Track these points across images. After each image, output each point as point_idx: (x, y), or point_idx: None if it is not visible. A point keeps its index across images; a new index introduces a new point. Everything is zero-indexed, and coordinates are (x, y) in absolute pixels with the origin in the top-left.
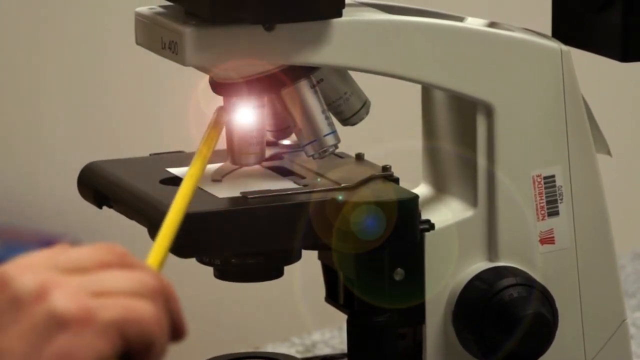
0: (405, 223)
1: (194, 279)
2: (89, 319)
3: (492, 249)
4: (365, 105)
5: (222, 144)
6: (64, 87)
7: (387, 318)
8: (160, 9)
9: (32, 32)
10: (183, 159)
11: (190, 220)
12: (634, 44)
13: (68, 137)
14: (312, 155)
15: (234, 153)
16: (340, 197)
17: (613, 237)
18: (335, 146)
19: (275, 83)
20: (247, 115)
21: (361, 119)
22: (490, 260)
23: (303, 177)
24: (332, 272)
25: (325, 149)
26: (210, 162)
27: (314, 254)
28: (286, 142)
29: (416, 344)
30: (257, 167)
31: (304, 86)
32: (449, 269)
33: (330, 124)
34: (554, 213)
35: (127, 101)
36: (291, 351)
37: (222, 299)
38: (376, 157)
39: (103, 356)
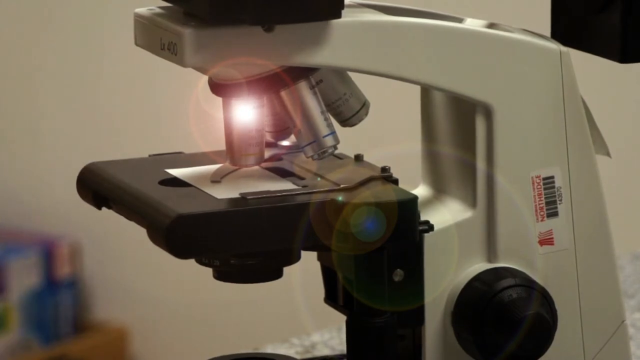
0: (404, 224)
1: (193, 280)
2: None
3: (491, 250)
4: (364, 106)
5: (221, 145)
6: (63, 89)
7: (387, 319)
8: (160, 10)
9: (32, 32)
10: (182, 160)
11: (189, 221)
12: (633, 45)
13: (68, 137)
14: (312, 156)
15: (233, 154)
16: (340, 198)
17: (612, 238)
18: (335, 147)
19: (274, 84)
20: (247, 116)
21: (360, 120)
22: (490, 261)
23: (302, 178)
24: (332, 273)
25: (324, 149)
26: (210, 162)
27: (313, 254)
28: (285, 143)
29: (415, 345)
30: (256, 168)
31: (303, 87)
32: (448, 270)
33: (330, 125)
34: (553, 214)
35: (126, 102)
36: (290, 352)
37: (222, 300)
38: (375, 158)
39: None
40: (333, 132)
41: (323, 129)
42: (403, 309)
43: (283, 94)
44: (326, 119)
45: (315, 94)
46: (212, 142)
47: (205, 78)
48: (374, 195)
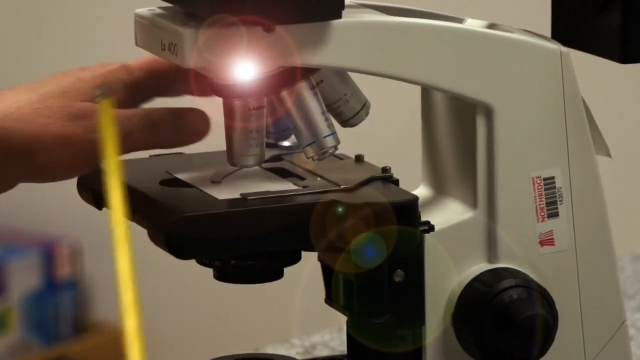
0: (405, 225)
1: (194, 280)
2: None
3: (492, 251)
4: (365, 106)
5: (222, 145)
6: None
7: (387, 320)
8: (160, 11)
9: (32, 33)
10: (183, 161)
11: (190, 222)
12: (634, 46)
13: None
14: (312, 157)
15: (234, 155)
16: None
17: (613, 238)
18: (335, 148)
19: (275, 84)
20: (247, 117)
21: (361, 121)
22: (490, 262)
23: (303, 179)
24: (332, 274)
25: (325, 150)
26: (211, 163)
27: (314, 255)
28: (286, 143)
29: (416, 346)
30: (256, 168)
31: (304, 88)
32: (449, 271)
33: (330, 126)
34: (554, 215)
35: None
36: (291, 353)
37: (223, 301)
38: (376, 158)
39: None
40: (334, 133)
41: (324, 130)
42: (404, 310)
43: (284, 94)
44: (327, 120)
45: (316, 94)
46: (212, 142)
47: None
48: (374, 196)
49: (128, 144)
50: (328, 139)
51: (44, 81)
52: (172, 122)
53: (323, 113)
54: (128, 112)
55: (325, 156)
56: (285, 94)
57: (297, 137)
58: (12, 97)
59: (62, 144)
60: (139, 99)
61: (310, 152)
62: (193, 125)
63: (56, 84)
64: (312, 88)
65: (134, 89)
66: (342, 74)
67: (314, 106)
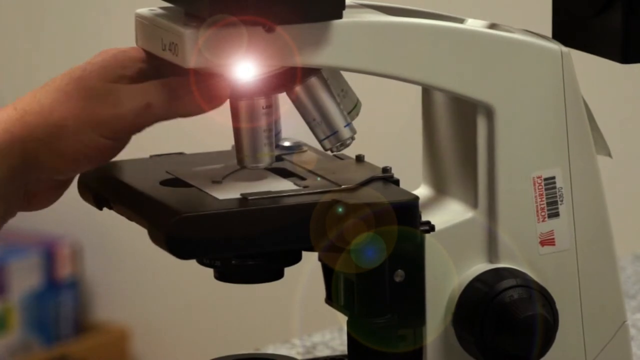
0: (405, 224)
1: (194, 280)
2: None
3: (492, 251)
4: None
5: (224, 145)
6: None
7: (388, 320)
8: (161, 11)
9: (32, 33)
10: (183, 160)
11: (191, 222)
12: (635, 46)
13: None
14: (330, 149)
15: (245, 156)
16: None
17: (613, 238)
18: (352, 138)
19: (287, 81)
20: (258, 117)
21: (352, 119)
22: (491, 261)
23: (303, 179)
24: (333, 273)
25: (342, 142)
26: (211, 163)
27: (314, 255)
28: (286, 143)
29: (417, 345)
30: None
31: (317, 82)
32: (450, 271)
33: (346, 117)
34: (554, 214)
35: None
36: (292, 352)
37: (223, 301)
38: (376, 158)
39: None
40: (349, 124)
41: (340, 121)
42: (404, 310)
43: (297, 89)
44: (342, 111)
45: (328, 88)
46: (212, 142)
47: None
48: (375, 196)
49: (150, 116)
50: (345, 130)
51: (59, 76)
52: (192, 89)
53: (337, 105)
54: (146, 83)
55: (342, 148)
56: (299, 89)
57: (313, 130)
58: (30, 95)
59: (88, 124)
60: (157, 72)
61: (328, 144)
62: (213, 91)
63: (69, 74)
64: (324, 82)
65: (150, 63)
66: (335, 73)
67: (328, 99)
